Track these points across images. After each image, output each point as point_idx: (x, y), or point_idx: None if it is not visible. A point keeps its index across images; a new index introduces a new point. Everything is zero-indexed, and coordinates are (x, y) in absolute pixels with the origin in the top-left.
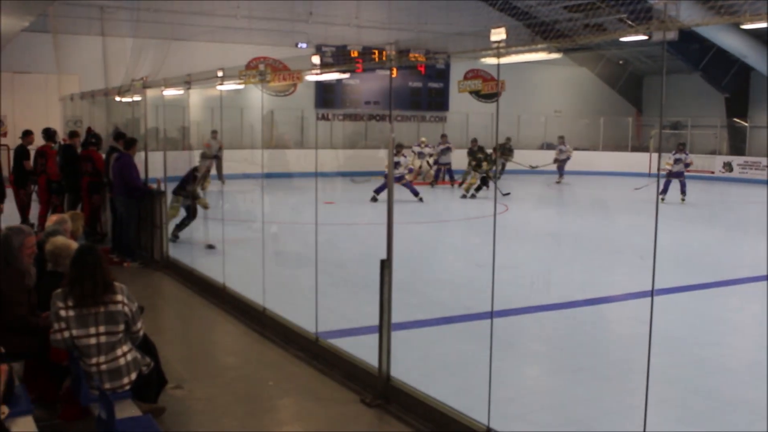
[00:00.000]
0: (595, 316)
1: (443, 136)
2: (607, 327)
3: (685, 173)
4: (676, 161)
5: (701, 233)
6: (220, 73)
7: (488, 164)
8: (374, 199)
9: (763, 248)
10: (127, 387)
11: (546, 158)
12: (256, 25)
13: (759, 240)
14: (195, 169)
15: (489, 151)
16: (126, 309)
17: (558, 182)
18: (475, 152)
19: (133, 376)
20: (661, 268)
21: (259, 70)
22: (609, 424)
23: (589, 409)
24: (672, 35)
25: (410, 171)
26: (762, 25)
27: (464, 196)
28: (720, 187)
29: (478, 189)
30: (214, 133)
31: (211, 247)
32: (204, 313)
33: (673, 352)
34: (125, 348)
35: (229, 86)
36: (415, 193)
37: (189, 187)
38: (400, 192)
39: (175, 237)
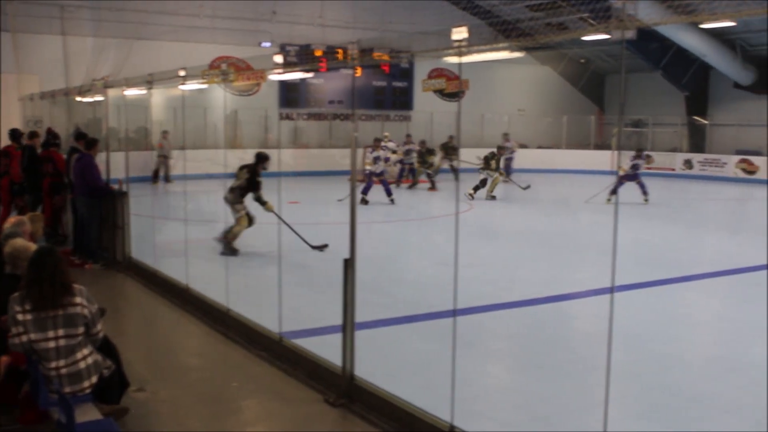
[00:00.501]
0: (558, 313)
1: (408, 136)
2: (569, 324)
3: (642, 172)
4: (633, 167)
5: (662, 230)
6: (182, 73)
7: (493, 164)
8: (364, 202)
9: (721, 244)
10: (88, 390)
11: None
12: (219, 24)
13: (717, 236)
14: (255, 174)
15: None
16: (85, 311)
17: (506, 181)
18: (424, 153)
19: (94, 379)
20: (623, 265)
21: (221, 69)
22: (571, 420)
23: (551, 405)
24: (630, 34)
25: (386, 161)
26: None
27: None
28: (681, 184)
29: (475, 189)
30: (164, 133)
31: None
32: (167, 314)
33: (634, 347)
34: (85, 351)
35: (192, 86)
36: (389, 193)
37: (254, 193)
38: (376, 191)
39: (233, 250)
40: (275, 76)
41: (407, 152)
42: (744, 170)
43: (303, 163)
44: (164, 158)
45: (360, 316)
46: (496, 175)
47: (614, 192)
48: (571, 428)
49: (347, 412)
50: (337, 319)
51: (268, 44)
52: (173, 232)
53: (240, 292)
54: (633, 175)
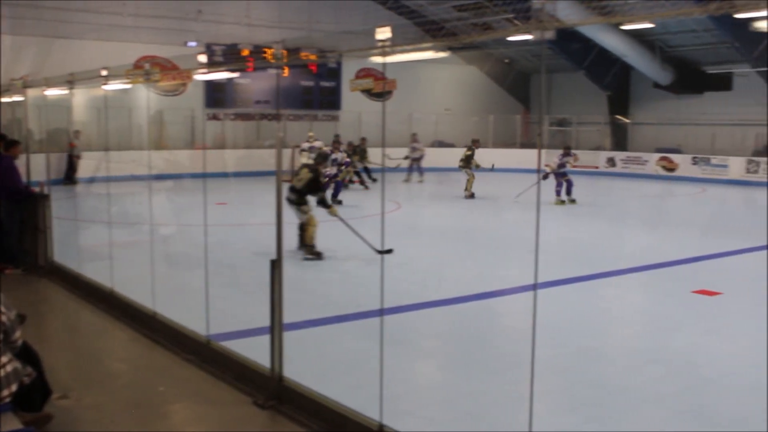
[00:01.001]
0: (485, 310)
1: (336, 136)
2: (496, 321)
3: (569, 170)
4: (560, 165)
5: (586, 227)
6: (104, 73)
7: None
8: (339, 202)
9: (641, 240)
10: (7, 399)
11: (437, 156)
12: (143, 23)
13: (638, 232)
14: (318, 174)
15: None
16: (3, 318)
17: (420, 181)
18: (350, 154)
19: (14, 387)
20: (548, 262)
21: (145, 69)
22: (498, 415)
23: (479, 401)
24: (550, 34)
25: (346, 165)
26: (639, 26)
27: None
28: (604, 182)
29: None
30: (76, 132)
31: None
32: (91, 319)
33: (559, 343)
34: (4, 359)
35: (115, 86)
36: (336, 195)
37: (317, 195)
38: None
39: (317, 253)
40: (201, 76)
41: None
42: (664, 168)
43: (230, 164)
44: (76, 158)
45: (288, 317)
46: (471, 173)
47: (559, 193)
48: (498, 423)
49: (276, 413)
50: (266, 321)
51: (193, 44)
52: (97, 234)
53: (167, 295)
54: (563, 173)
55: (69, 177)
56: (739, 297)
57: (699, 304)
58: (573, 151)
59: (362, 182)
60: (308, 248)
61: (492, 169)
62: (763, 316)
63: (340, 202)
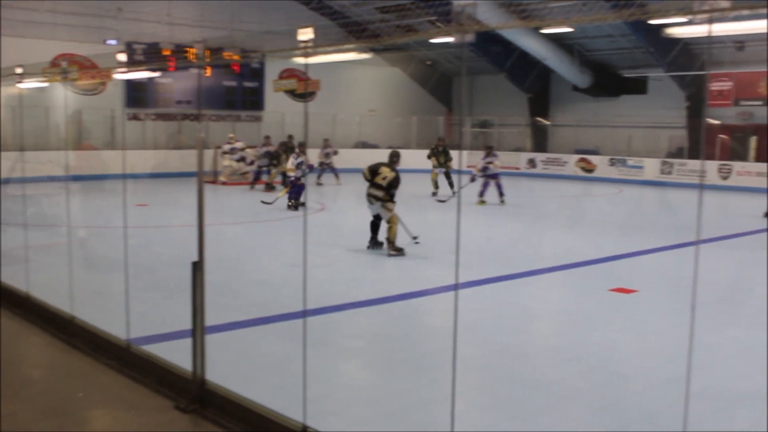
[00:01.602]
0: (409, 310)
1: (266, 137)
2: (419, 321)
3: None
4: (484, 168)
5: (507, 227)
6: (19, 70)
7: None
8: (298, 206)
9: (560, 240)
10: None
11: (360, 157)
12: (61, 20)
13: (557, 232)
14: (398, 173)
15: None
16: None
17: (338, 184)
18: (279, 156)
19: None
20: (470, 262)
21: (62, 67)
22: (421, 414)
23: (402, 400)
24: (470, 37)
25: (311, 168)
26: (558, 30)
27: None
28: (525, 183)
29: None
30: None
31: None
32: (6, 324)
33: (481, 341)
34: None
35: (31, 84)
36: (298, 197)
37: (393, 190)
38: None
39: (399, 249)
40: (121, 75)
41: (266, 154)
42: (583, 168)
43: (151, 165)
44: None
45: (211, 320)
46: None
47: (483, 194)
48: (421, 422)
49: (199, 417)
50: (188, 323)
51: (113, 42)
52: (12, 237)
53: (85, 299)
54: (494, 174)
55: None
56: (654, 294)
57: (615, 302)
58: (496, 152)
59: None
60: (392, 245)
61: (472, 181)
62: (676, 313)
63: (303, 204)
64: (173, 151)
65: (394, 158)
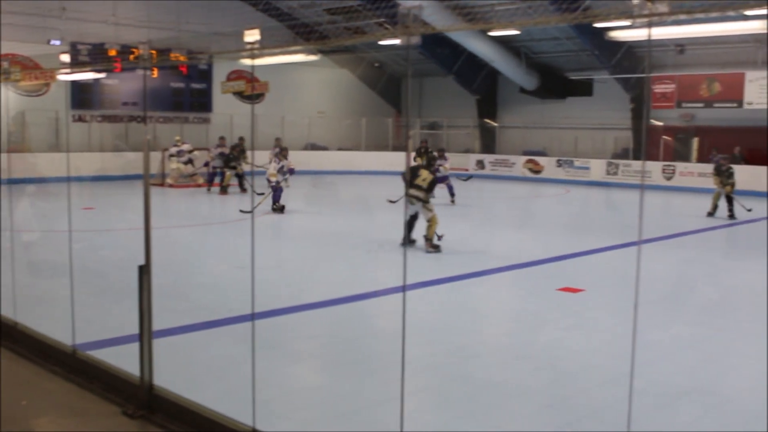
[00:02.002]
0: (358, 312)
1: (221, 138)
2: (369, 322)
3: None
4: (436, 169)
5: (456, 228)
6: None
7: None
8: (282, 209)
9: (508, 240)
10: None
11: (310, 159)
12: (2, 19)
13: (506, 232)
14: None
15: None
16: None
17: (287, 186)
18: (234, 158)
19: None
20: (419, 262)
21: (4, 68)
22: (371, 415)
23: (352, 402)
24: (416, 39)
25: (291, 172)
26: (505, 32)
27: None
28: (474, 184)
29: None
30: None
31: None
32: None
33: (430, 341)
34: None
35: None
36: (277, 200)
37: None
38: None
39: (437, 246)
40: (66, 76)
41: (220, 155)
42: (530, 170)
43: (97, 167)
44: None
45: (159, 324)
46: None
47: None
48: (371, 423)
49: (146, 423)
50: (135, 328)
51: (57, 42)
52: None
53: (29, 304)
54: (443, 177)
55: None
56: (601, 293)
57: (563, 301)
58: (446, 155)
59: (241, 185)
60: (430, 242)
61: (467, 179)
62: (622, 311)
63: (283, 207)
64: (120, 154)
65: (432, 161)
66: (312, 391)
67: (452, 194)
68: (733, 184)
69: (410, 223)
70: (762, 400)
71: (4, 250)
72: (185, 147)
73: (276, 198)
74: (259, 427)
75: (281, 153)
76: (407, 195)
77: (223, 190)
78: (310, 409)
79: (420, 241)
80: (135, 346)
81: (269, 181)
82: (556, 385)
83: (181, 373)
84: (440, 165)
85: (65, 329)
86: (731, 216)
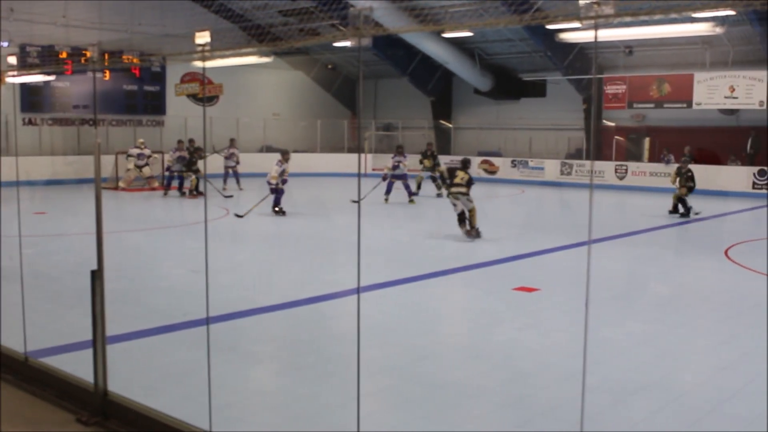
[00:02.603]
0: (315, 314)
1: (179, 142)
2: (326, 324)
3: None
4: (395, 166)
5: (411, 229)
6: None
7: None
8: (281, 212)
9: (463, 241)
10: None
11: (266, 162)
12: None
13: (459, 233)
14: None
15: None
16: None
17: (240, 189)
18: (192, 161)
19: None
20: (375, 264)
21: None
22: (329, 417)
23: (310, 405)
24: (367, 41)
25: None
26: (459, 34)
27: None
28: (429, 185)
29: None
30: None
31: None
32: None
33: (387, 342)
34: None
35: None
36: (278, 203)
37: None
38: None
39: (479, 232)
40: (14, 79)
41: (179, 159)
42: (486, 170)
43: (48, 171)
44: None
45: (113, 329)
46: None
47: (389, 192)
48: (328, 425)
49: (101, 429)
50: (89, 334)
51: (5, 44)
52: None
53: None
54: (402, 175)
55: None
56: (556, 292)
57: (518, 301)
58: (405, 153)
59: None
60: (475, 229)
61: (384, 180)
62: (576, 310)
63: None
64: (71, 157)
65: (467, 163)
66: (269, 394)
67: (410, 193)
68: (690, 188)
69: (462, 217)
70: (712, 394)
71: None
72: (147, 151)
73: (277, 201)
74: (215, 431)
75: (284, 157)
76: (450, 194)
77: (195, 193)
78: (268, 412)
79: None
80: (89, 353)
81: (269, 184)
82: (512, 384)
83: (137, 378)
84: (399, 162)
85: (17, 336)
86: (684, 215)
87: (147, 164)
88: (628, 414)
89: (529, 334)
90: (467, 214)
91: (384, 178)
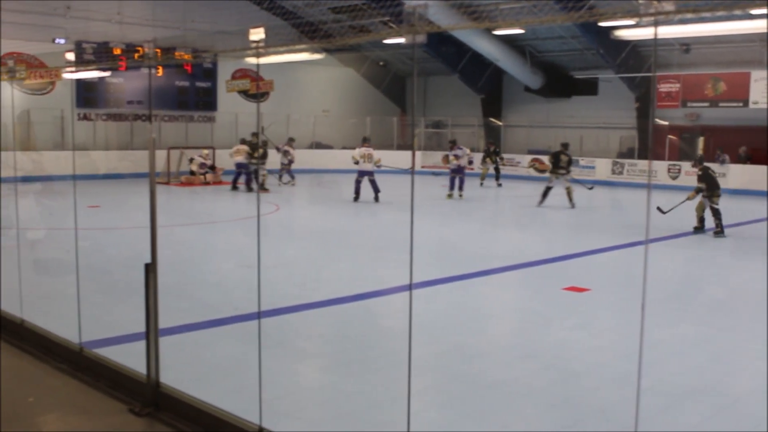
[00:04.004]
0: (363, 310)
1: (254, 134)
2: (374, 321)
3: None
4: (457, 156)
5: (461, 227)
6: None
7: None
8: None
9: (512, 239)
10: None
11: (315, 158)
12: (7, 18)
13: (511, 232)
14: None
15: None
16: None
17: (292, 184)
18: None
19: None
20: (424, 262)
21: (9, 66)
22: (376, 414)
23: (357, 401)
24: (422, 38)
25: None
26: (510, 31)
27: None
28: (478, 182)
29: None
30: None
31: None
32: None
33: (436, 340)
34: None
35: None
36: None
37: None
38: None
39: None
40: (71, 75)
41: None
42: (535, 169)
43: (103, 166)
44: None
45: (165, 322)
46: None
47: (452, 187)
48: (377, 422)
49: (153, 420)
50: (141, 326)
51: (62, 41)
52: None
53: (36, 302)
54: (459, 169)
55: None
56: (606, 293)
57: (568, 301)
58: (462, 148)
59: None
60: (571, 201)
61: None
62: (627, 310)
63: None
64: (125, 152)
65: (567, 147)
66: (318, 389)
67: (461, 188)
68: (709, 194)
69: (546, 192)
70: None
71: (10, 248)
72: (208, 162)
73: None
74: (265, 425)
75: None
76: (554, 173)
77: (264, 188)
78: (317, 407)
79: None
80: (141, 345)
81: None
82: (561, 385)
83: (187, 371)
84: (456, 155)
85: (71, 327)
86: (718, 232)
87: (208, 173)
88: (681, 418)
89: (579, 334)
90: (566, 191)
91: (453, 172)
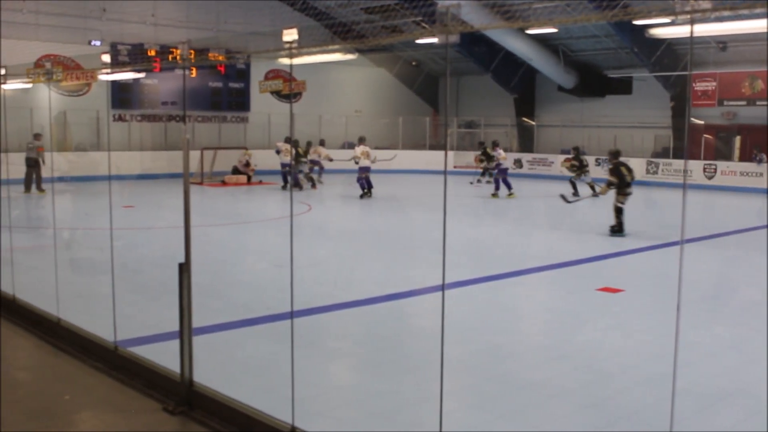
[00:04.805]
0: (396, 310)
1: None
2: (406, 321)
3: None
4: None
5: (493, 227)
6: (2, 71)
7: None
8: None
9: (545, 240)
10: None
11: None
12: (44, 20)
13: (544, 232)
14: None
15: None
16: None
17: (321, 183)
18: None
19: None
20: (456, 262)
21: (46, 68)
22: (409, 414)
23: (390, 401)
24: (455, 38)
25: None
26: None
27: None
28: (512, 183)
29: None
30: None
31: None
32: None
33: (468, 341)
34: None
35: (15, 85)
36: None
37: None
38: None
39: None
40: (106, 76)
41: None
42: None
43: (137, 166)
44: None
45: (198, 321)
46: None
47: (498, 187)
48: (409, 422)
49: (187, 419)
50: (175, 325)
51: (97, 43)
52: None
53: (72, 301)
54: (504, 169)
55: None
56: (640, 294)
57: (602, 301)
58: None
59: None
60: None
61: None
62: (661, 311)
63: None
64: (159, 152)
65: (618, 154)
66: (350, 389)
67: (498, 187)
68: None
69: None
70: None
71: (47, 247)
72: (252, 162)
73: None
74: (298, 424)
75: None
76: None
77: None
78: (348, 407)
79: None
80: (174, 344)
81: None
82: (594, 386)
83: (220, 370)
84: (498, 156)
85: (107, 326)
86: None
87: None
88: (716, 420)
89: (612, 335)
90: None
91: (498, 172)
